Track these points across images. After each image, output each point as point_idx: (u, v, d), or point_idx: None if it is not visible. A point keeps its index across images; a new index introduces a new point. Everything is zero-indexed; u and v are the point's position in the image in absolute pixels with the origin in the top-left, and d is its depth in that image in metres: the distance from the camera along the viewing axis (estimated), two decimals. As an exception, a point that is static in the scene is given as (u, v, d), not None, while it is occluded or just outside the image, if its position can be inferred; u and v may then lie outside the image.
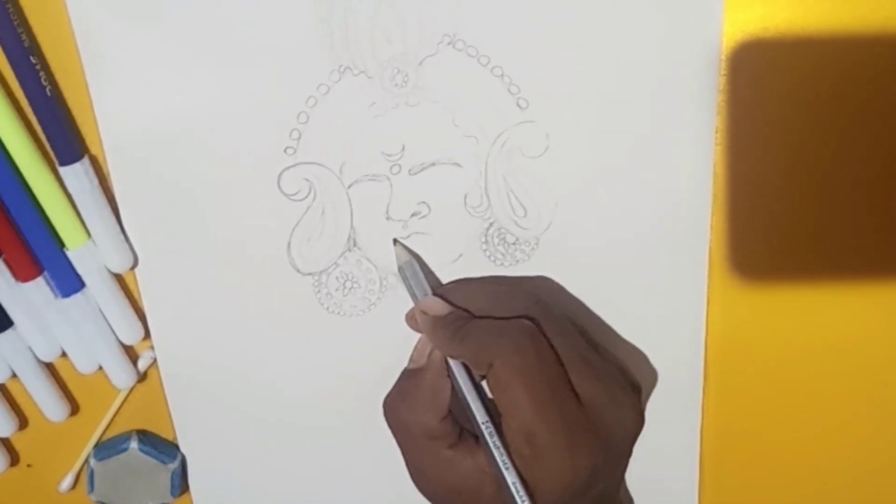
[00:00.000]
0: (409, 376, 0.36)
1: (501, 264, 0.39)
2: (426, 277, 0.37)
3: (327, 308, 0.39)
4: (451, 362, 0.35)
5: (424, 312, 0.36)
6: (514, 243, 0.38)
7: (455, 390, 0.35)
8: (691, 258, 0.39)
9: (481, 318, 0.35)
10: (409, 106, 0.36)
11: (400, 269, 0.37)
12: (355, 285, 0.39)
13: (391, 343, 0.39)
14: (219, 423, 0.41)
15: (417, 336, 0.38)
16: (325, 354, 0.40)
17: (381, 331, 0.39)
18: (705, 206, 0.38)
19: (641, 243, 0.38)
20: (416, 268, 0.37)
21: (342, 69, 0.35)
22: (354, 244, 0.38)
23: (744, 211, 0.38)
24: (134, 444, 0.40)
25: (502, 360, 0.33)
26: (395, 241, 0.37)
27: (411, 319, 0.37)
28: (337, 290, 0.39)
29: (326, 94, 0.35)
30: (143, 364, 0.40)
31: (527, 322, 0.34)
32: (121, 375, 0.39)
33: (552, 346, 0.34)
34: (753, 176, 0.38)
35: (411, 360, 0.37)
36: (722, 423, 0.42)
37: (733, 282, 0.39)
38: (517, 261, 0.39)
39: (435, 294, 0.36)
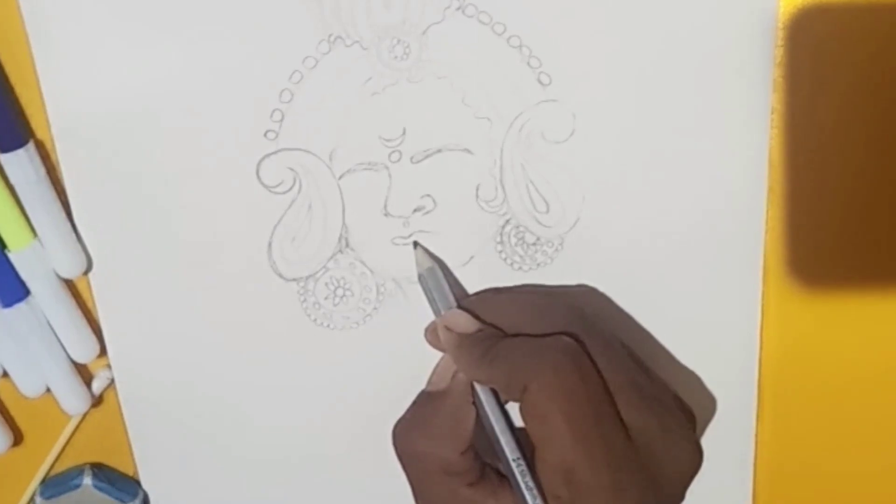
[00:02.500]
0: (427, 401, 0.35)
1: (520, 268, 0.38)
2: (450, 286, 0.37)
3: (315, 319, 0.38)
4: (478, 387, 0.35)
5: (448, 329, 0.35)
6: (534, 244, 0.38)
7: (480, 420, 0.35)
8: (743, 261, 0.38)
9: (514, 335, 0.34)
10: (410, 82, 0.35)
11: (420, 277, 0.37)
12: (348, 293, 0.38)
13: (390, 360, 0.38)
14: (186, 456, 0.40)
15: (421, 350, 0.37)
16: (312, 374, 0.39)
17: (379, 346, 0.39)
18: (759, 200, 0.37)
19: (683, 244, 0.38)
20: (439, 276, 0.36)
21: (332, 39, 0.34)
22: (347, 245, 0.37)
23: (804, 206, 0.37)
24: (87, 480, 0.39)
25: (539, 383, 0.32)
26: (415, 244, 0.37)
27: (432, 335, 0.36)
28: (326, 298, 0.38)
29: (314, 68, 0.34)
30: (98, 386, 0.39)
31: (568, 339, 0.33)
32: (72, 399, 0.38)
33: (597, 368, 0.33)
34: (815, 165, 0.37)
35: (430, 382, 0.36)
36: (778, 456, 0.41)
37: (792, 289, 0.39)
38: (538, 264, 0.38)
39: (460, 307, 0.36)
